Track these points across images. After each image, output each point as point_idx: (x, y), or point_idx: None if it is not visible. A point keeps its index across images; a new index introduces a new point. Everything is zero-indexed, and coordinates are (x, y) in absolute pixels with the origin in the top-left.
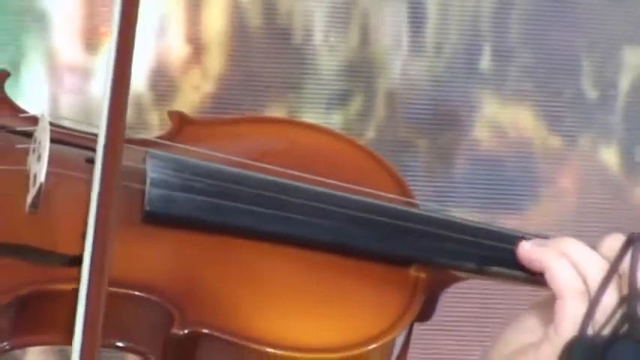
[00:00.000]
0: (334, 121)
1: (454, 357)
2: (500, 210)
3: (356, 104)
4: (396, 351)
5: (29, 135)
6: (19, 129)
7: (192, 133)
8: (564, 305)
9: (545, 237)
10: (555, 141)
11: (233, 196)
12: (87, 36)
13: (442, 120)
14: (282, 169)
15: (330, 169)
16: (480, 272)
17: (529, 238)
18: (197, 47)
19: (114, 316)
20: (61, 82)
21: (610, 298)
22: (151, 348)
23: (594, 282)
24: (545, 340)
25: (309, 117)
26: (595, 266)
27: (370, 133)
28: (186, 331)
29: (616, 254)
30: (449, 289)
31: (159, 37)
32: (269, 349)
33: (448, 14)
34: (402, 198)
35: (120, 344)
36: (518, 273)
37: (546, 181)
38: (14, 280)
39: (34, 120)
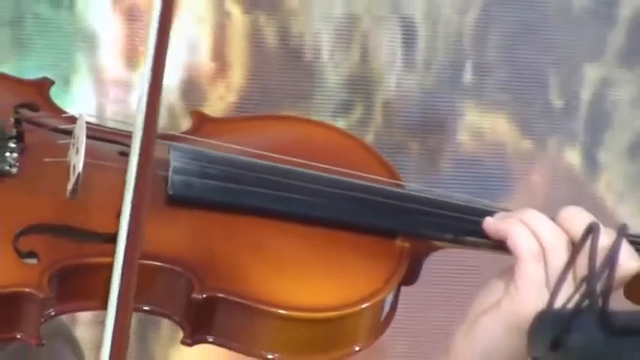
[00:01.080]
0: (338, 126)
1: None
2: None
3: (357, 112)
4: (385, 311)
5: (69, 133)
6: (60, 127)
7: (210, 129)
8: (523, 265)
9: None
10: (527, 144)
11: (242, 180)
12: (128, 55)
13: (431, 126)
14: (285, 157)
15: (327, 157)
16: (457, 242)
17: (497, 212)
18: (222, 64)
19: (143, 284)
20: (106, 94)
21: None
22: (175, 311)
23: (549, 245)
24: (506, 296)
25: None
26: (549, 231)
27: (369, 137)
28: (204, 296)
29: (577, 241)
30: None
31: (190, 55)
32: (275, 310)
33: (435, 36)
34: (390, 180)
35: (147, 308)
36: (489, 242)
37: (519, 178)
38: (57, 255)
39: (73, 119)
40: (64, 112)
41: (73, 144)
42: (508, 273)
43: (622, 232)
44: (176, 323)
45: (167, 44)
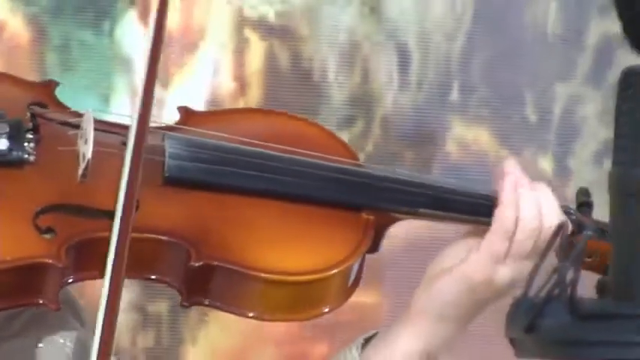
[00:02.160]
0: (342, 138)
1: None
2: None
3: (359, 126)
4: (352, 276)
5: (77, 126)
6: (70, 120)
7: (195, 121)
8: (494, 238)
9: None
10: (505, 153)
11: (229, 163)
12: (160, 75)
13: (422, 138)
14: (266, 143)
15: (300, 142)
16: (413, 214)
17: (446, 187)
18: (241, 83)
19: (146, 255)
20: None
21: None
22: (175, 278)
23: (523, 232)
24: (466, 260)
25: None
26: (530, 222)
27: (369, 148)
28: (200, 263)
29: (548, 240)
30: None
31: (213, 76)
32: (259, 274)
33: (427, 60)
34: (352, 160)
35: (151, 277)
36: (441, 214)
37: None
38: (71, 230)
39: (79, 114)
40: (69, 109)
41: (82, 135)
42: (472, 238)
43: (589, 229)
44: (175, 289)
45: (158, 57)
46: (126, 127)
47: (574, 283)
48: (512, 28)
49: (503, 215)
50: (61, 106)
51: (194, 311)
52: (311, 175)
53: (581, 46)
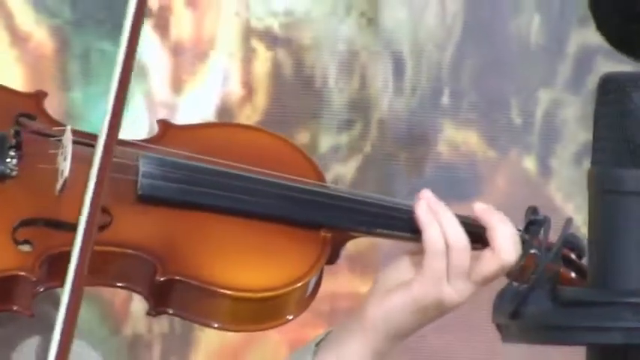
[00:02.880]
0: (342, 140)
1: None
2: (454, 201)
3: (357, 129)
4: (311, 287)
5: (59, 140)
6: (51, 134)
7: (173, 135)
8: (430, 259)
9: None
10: (492, 153)
11: (198, 183)
12: (173, 83)
13: (416, 139)
14: (232, 163)
15: (270, 161)
16: (369, 233)
17: (403, 208)
18: (248, 89)
19: (117, 266)
20: (156, 115)
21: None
22: (142, 288)
23: (454, 245)
24: (415, 282)
25: (325, 138)
26: (456, 235)
27: (367, 149)
28: (165, 278)
29: (528, 236)
30: None
31: (222, 83)
32: (220, 290)
33: (420, 67)
34: (316, 181)
35: (120, 284)
36: (395, 233)
37: (486, 181)
38: (48, 243)
39: (63, 130)
40: (56, 122)
41: (62, 152)
42: (416, 257)
43: (568, 225)
44: (144, 297)
45: (131, 69)
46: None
47: (556, 273)
48: (499, 39)
49: (428, 236)
50: (49, 118)
51: None
52: (274, 194)
53: (561, 55)
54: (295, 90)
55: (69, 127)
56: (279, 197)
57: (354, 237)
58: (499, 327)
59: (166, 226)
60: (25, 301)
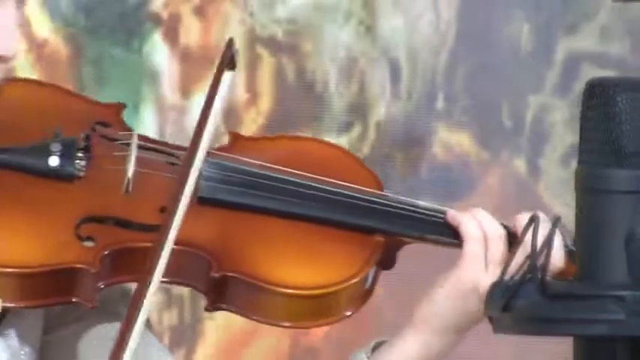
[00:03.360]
0: (342, 141)
1: None
2: (449, 199)
3: (356, 131)
4: (367, 286)
5: (126, 145)
6: (116, 137)
7: (241, 145)
8: (468, 245)
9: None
10: (485, 155)
11: (256, 187)
12: (182, 87)
13: (411, 141)
14: (291, 170)
15: (331, 169)
16: (421, 239)
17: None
18: (253, 94)
19: (178, 264)
20: (166, 117)
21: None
22: (198, 284)
23: (490, 233)
24: (455, 268)
25: (326, 139)
26: (491, 224)
27: (365, 150)
28: (220, 274)
29: (522, 228)
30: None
31: (229, 88)
32: (274, 288)
33: (415, 73)
34: (374, 189)
35: (180, 280)
36: (446, 239)
37: (479, 181)
38: (110, 239)
39: (130, 135)
40: (130, 130)
41: (127, 155)
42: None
43: (556, 222)
44: (203, 294)
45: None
46: (172, 147)
47: (544, 268)
48: (490, 46)
49: (465, 226)
50: (124, 126)
51: None
52: (331, 200)
53: (549, 62)
54: (297, 94)
55: (135, 133)
56: (333, 202)
57: (406, 243)
58: (491, 319)
59: (223, 226)
60: (86, 293)
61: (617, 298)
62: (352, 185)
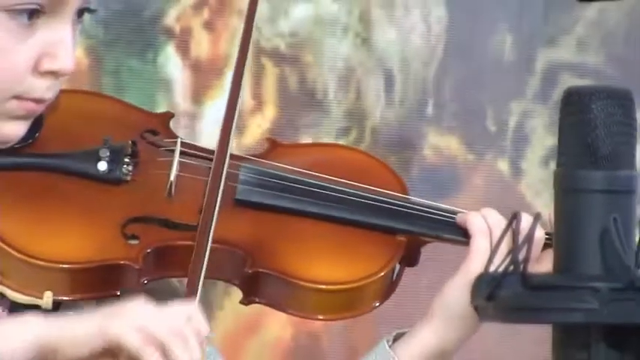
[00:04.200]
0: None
1: None
2: (438, 198)
3: (353, 135)
4: (391, 280)
5: (172, 151)
6: (162, 143)
7: (279, 151)
8: (475, 239)
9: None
10: (471, 157)
11: (289, 191)
12: (193, 95)
13: (404, 144)
14: (321, 175)
15: (357, 173)
16: (439, 238)
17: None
18: (259, 101)
19: (215, 261)
20: (179, 122)
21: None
22: (234, 278)
23: (494, 227)
24: (464, 262)
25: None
26: (496, 219)
27: None
28: (253, 270)
29: (506, 224)
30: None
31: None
32: (303, 283)
33: (407, 82)
34: (398, 193)
35: (217, 276)
36: (460, 238)
37: (465, 181)
38: (153, 238)
39: (174, 141)
40: (176, 137)
41: (171, 161)
42: None
43: (537, 218)
44: (237, 287)
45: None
46: (210, 151)
47: (525, 261)
48: (476, 57)
49: (472, 222)
50: (171, 134)
51: (220, 284)
52: (357, 203)
53: (531, 71)
54: (299, 101)
55: (179, 139)
56: (361, 206)
57: (426, 242)
58: (477, 308)
59: (257, 226)
60: (130, 287)
61: (592, 289)
62: (377, 189)
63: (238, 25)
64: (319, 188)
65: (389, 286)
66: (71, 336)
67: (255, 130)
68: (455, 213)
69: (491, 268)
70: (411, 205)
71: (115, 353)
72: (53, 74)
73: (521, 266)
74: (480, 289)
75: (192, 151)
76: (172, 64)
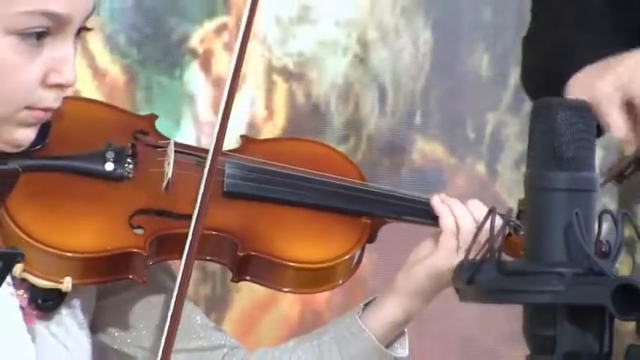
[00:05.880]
0: (340, 150)
1: None
2: (425, 195)
3: (351, 142)
4: (356, 259)
5: (164, 150)
6: (159, 145)
7: (252, 146)
8: (445, 237)
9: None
10: (453, 161)
11: (270, 182)
12: (215, 107)
13: (395, 149)
14: (295, 167)
15: (324, 165)
16: (399, 219)
17: (423, 200)
18: (270, 112)
19: (209, 245)
20: (202, 130)
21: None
22: (227, 261)
23: (462, 227)
24: (432, 255)
25: None
26: (465, 219)
27: (359, 156)
28: (244, 253)
29: (482, 219)
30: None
31: (251, 106)
32: (287, 262)
33: (398, 95)
34: (359, 180)
35: (209, 258)
36: (418, 219)
37: (448, 181)
38: (155, 227)
39: (167, 142)
40: (163, 137)
41: (167, 159)
42: (435, 238)
43: (509, 213)
44: (228, 268)
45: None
46: (201, 150)
47: (499, 250)
48: (457, 74)
49: (444, 221)
50: (158, 134)
51: None
52: (328, 191)
53: (505, 86)
54: (305, 112)
55: (172, 140)
56: (330, 193)
57: (387, 222)
58: (457, 290)
59: (245, 214)
60: (139, 271)
61: (558, 274)
62: (342, 177)
63: (253, 47)
64: (295, 179)
65: (355, 265)
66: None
67: (267, 136)
68: (412, 199)
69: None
70: (371, 190)
71: None
72: (59, 87)
73: (496, 254)
74: (460, 275)
75: (184, 150)
76: (196, 80)
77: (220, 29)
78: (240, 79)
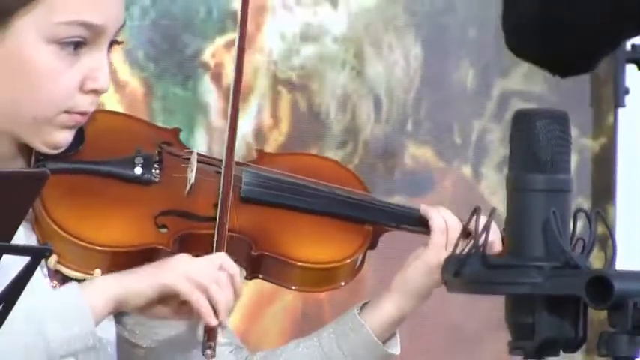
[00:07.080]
0: (339, 155)
1: None
2: (416, 197)
3: (349, 148)
4: (358, 263)
5: (187, 160)
6: (183, 156)
7: (266, 159)
8: (435, 235)
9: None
10: (441, 164)
11: (282, 190)
12: (226, 116)
13: (389, 154)
14: (306, 178)
15: (331, 177)
16: (398, 228)
17: (417, 211)
18: (275, 120)
19: (228, 245)
20: (213, 138)
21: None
22: (241, 259)
23: (451, 226)
24: (424, 252)
25: (327, 154)
26: (452, 220)
27: (356, 161)
28: (257, 253)
29: (468, 218)
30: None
31: (256, 115)
32: (296, 262)
33: (392, 105)
34: (363, 192)
35: (230, 257)
36: (415, 228)
37: (438, 184)
38: (179, 227)
39: (190, 152)
40: (187, 148)
41: (189, 166)
42: (427, 242)
43: (493, 212)
44: (242, 266)
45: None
46: (218, 160)
47: (484, 246)
48: (445, 85)
49: (434, 220)
50: (181, 145)
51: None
52: (334, 199)
53: (488, 97)
54: (307, 120)
55: (195, 151)
56: (336, 201)
57: (387, 230)
58: (446, 282)
59: (259, 218)
60: None
61: (537, 267)
62: (348, 188)
63: (260, 60)
64: (304, 188)
65: (357, 268)
66: (136, 288)
67: (273, 142)
68: (411, 209)
69: (457, 252)
70: (375, 201)
71: (165, 300)
72: (95, 92)
73: (481, 249)
74: (448, 268)
75: (205, 159)
76: (208, 91)
77: (230, 44)
78: (248, 90)
